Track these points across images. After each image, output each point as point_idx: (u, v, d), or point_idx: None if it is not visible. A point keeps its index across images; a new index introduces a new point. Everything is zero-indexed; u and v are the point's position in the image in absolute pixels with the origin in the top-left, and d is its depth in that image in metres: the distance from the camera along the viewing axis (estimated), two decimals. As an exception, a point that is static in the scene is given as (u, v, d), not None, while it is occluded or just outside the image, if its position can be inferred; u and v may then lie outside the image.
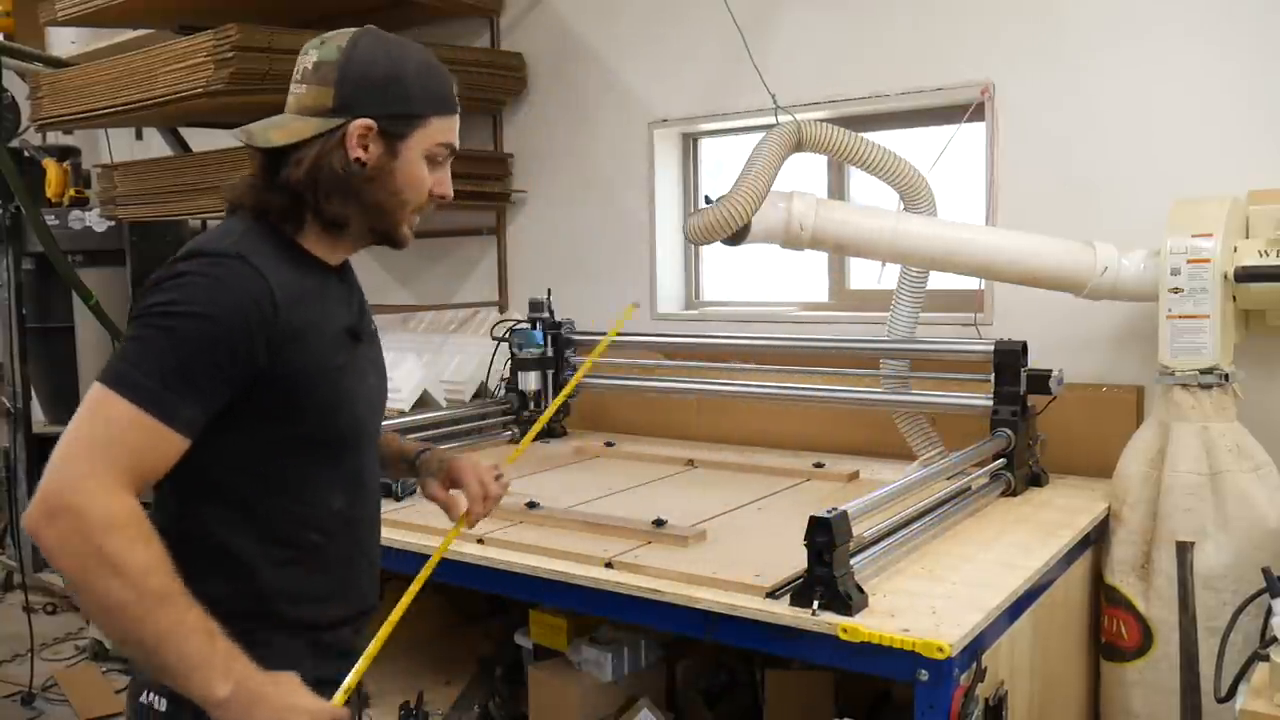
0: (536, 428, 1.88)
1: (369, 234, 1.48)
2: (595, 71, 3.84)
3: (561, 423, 3.58)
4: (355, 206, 1.43)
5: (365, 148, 1.40)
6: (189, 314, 1.28)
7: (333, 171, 1.39)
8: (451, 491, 1.69)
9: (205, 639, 1.23)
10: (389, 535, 2.41)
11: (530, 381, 3.42)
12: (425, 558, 2.34)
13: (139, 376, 1.26)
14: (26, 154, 5.04)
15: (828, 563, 1.80)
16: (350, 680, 1.40)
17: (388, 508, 2.57)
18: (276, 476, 1.40)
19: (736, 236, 2.65)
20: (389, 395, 3.91)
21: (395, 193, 1.44)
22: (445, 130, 1.46)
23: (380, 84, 1.41)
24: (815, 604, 1.80)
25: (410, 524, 2.46)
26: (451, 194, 1.49)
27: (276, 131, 1.42)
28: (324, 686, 1.36)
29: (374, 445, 1.58)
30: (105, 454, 1.23)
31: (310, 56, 1.43)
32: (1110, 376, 2.86)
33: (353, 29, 1.44)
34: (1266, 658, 1.70)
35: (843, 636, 1.76)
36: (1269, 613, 1.75)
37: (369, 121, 1.40)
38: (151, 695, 1.38)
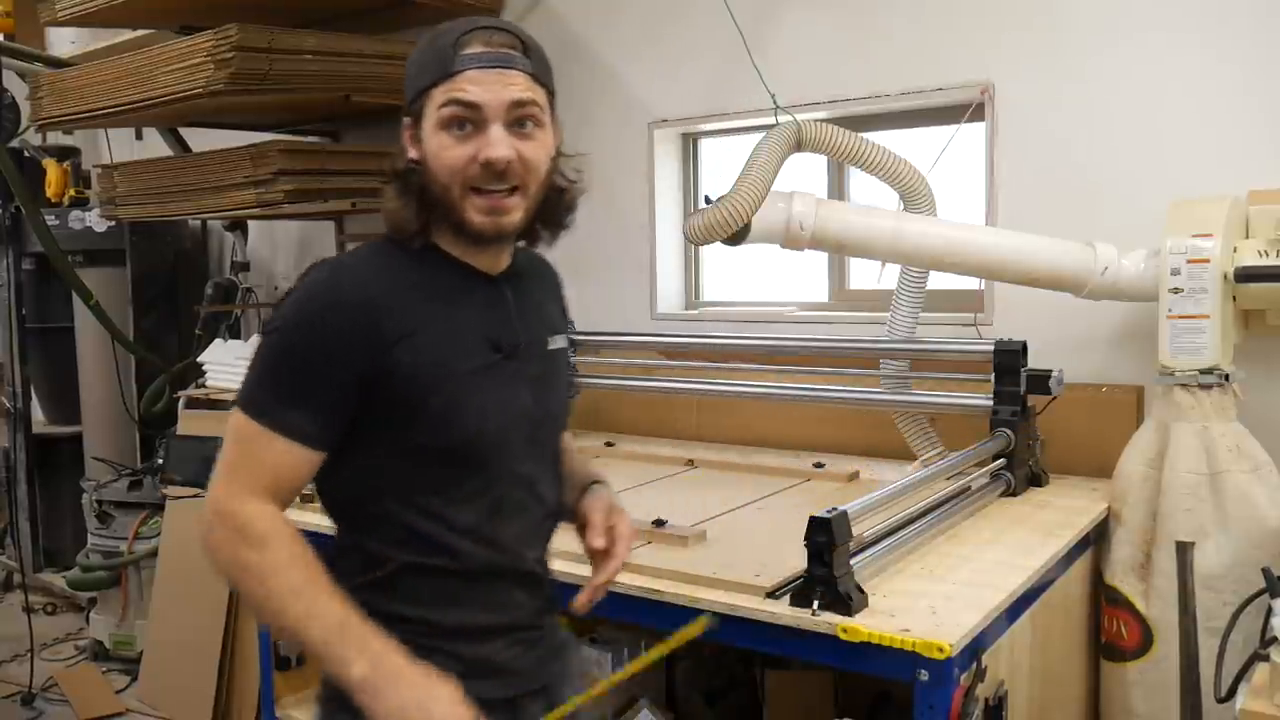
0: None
1: (455, 231, 1.41)
2: (595, 71, 3.84)
3: (561, 423, 3.57)
4: (416, 203, 1.39)
5: (414, 147, 1.40)
6: (291, 326, 1.36)
7: (403, 178, 1.40)
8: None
9: (335, 625, 1.28)
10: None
11: (530, 381, 3.41)
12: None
13: (258, 394, 1.36)
14: (26, 154, 5.05)
15: (828, 563, 1.80)
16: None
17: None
18: (402, 488, 1.39)
19: (736, 236, 2.65)
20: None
21: (434, 179, 1.38)
22: (448, 90, 1.35)
23: (408, 82, 1.40)
24: (815, 604, 1.80)
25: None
26: (500, 154, 1.34)
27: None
28: (481, 707, 1.35)
29: (527, 464, 1.48)
30: (240, 470, 1.35)
31: None
32: (1110, 376, 2.86)
33: None
34: (1266, 658, 1.70)
35: (843, 636, 1.76)
36: (1269, 613, 1.74)
37: (406, 120, 1.41)
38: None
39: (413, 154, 1.40)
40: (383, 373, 1.34)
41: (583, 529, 1.59)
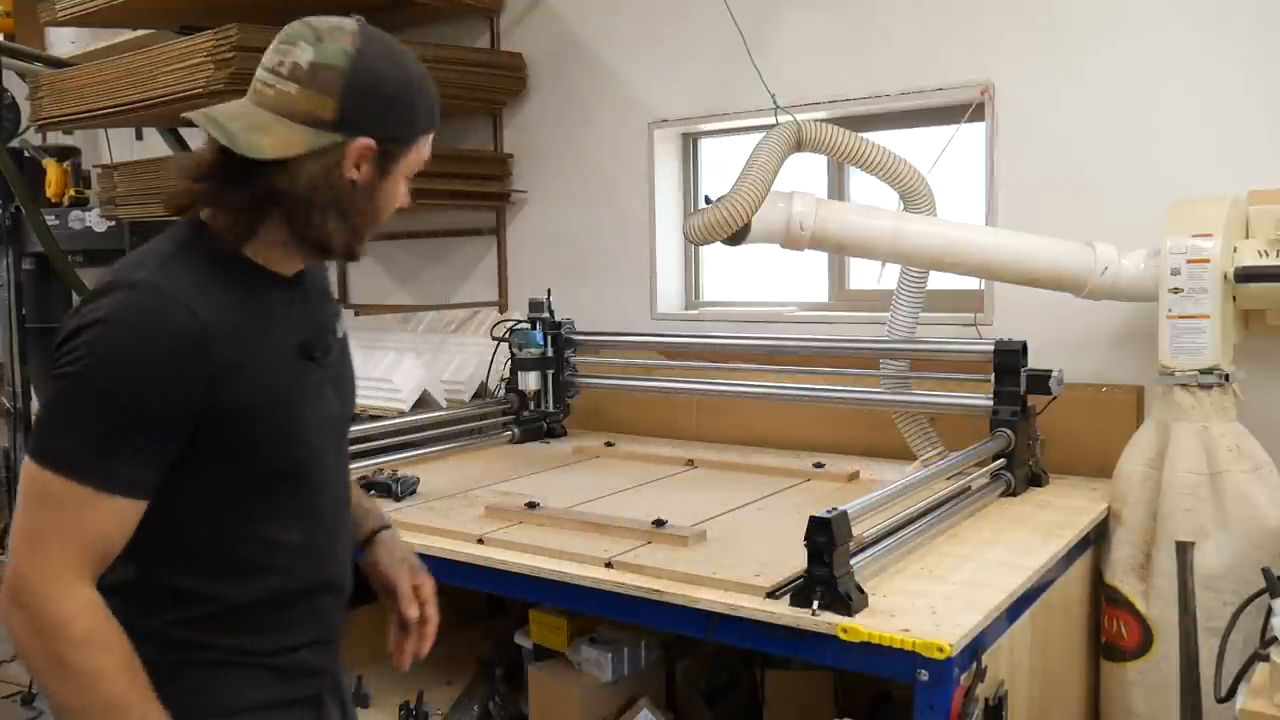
0: None
1: (342, 254, 1.38)
2: (595, 71, 3.84)
3: (561, 423, 3.58)
4: (341, 227, 1.33)
5: (359, 167, 1.30)
6: (110, 361, 1.18)
7: (331, 194, 1.29)
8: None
9: None
10: (389, 535, 2.42)
11: (530, 381, 3.42)
12: (423, 557, 2.34)
13: (68, 446, 1.18)
14: (26, 154, 5.04)
15: (828, 563, 1.80)
16: None
17: (387, 508, 2.58)
18: (229, 518, 1.30)
19: (736, 236, 2.65)
20: (389, 395, 3.93)
21: (376, 212, 1.35)
22: (424, 146, 1.36)
23: (388, 103, 1.30)
24: (815, 604, 1.80)
25: (411, 524, 2.46)
26: (408, 203, 1.39)
27: (265, 139, 1.25)
28: (294, 707, 1.39)
29: (336, 468, 1.46)
30: (54, 541, 1.17)
31: (304, 53, 1.26)
32: (1110, 376, 2.86)
33: (349, 23, 1.30)
34: (1266, 658, 1.70)
35: (843, 636, 1.76)
36: (1269, 613, 1.75)
37: (371, 143, 1.29)
38: None
39: (354, 176, 1.31)
40: (215, 405, 1.23)
41: (387, 591, 1.57)
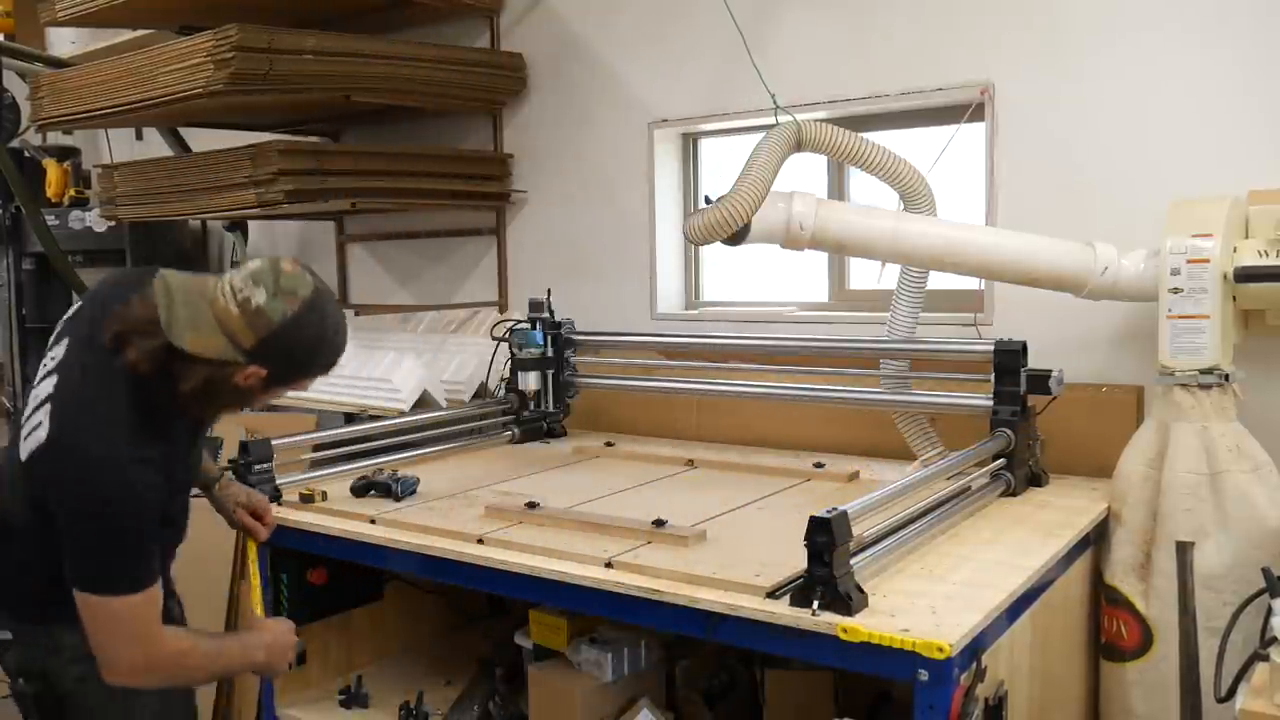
0: None
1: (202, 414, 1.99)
2: (595, 71, 3.84)
3: (561, 423, 3.58)
4: (211, 412, 1.98)
5: (247, 379, 1.80)
6: (124, 514, 1.77)
7: (215, 394, 1.80)
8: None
9: (238, 646, 2.09)
10: (390, 535, 2.43)
11: (530, 381, 3.42)
12: (423, 557, 2.36)
13: (118, 575, 1.79)
14: (26, 154, 5.04)
15: (828, 563, 1.80)
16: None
17: (387, 508, 2.59)
18: None
19: (736, 236, 2.65)
20: (389, 395, 3.93)
21: (244, 406, 1.97)
22: (314, 381, 1.94)
23: (290, 360, 1.82)
24: (815, 604, 1.80)
25: (410, 524, 2.46)
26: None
27: (192, 336, 1.73)
28: None
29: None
30: (149, 627, 1.84)
31: (258, 294, 1.74)
32: (1110, 376, 2.86)
33: (304, 290, 1.78)
34: (1266, 658, 1.70)
35: (843, 636, 1.76)
36: (1269, 613, 1.75)
37: (263, 373, 1.79)
38: (20, 681, 1.96)
39: (239, 385, 1.81)
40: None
41: (234, 526, 2.41)
